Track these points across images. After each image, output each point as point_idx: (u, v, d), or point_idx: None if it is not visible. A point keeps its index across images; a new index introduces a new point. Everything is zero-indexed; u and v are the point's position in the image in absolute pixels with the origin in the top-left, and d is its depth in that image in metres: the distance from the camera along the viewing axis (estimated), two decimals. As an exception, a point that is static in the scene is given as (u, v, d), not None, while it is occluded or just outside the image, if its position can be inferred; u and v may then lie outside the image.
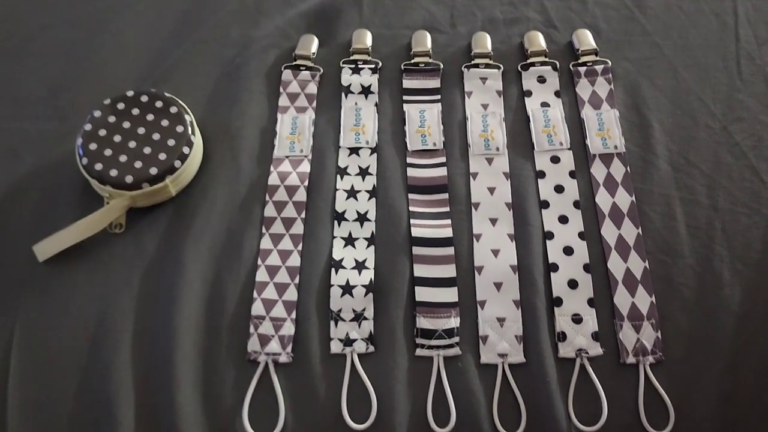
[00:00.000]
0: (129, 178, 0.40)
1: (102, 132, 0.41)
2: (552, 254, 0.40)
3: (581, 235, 0.40)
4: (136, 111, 0.42)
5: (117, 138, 0.41)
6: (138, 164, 0.40)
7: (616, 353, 0.37)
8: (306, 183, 0.43)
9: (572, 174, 0.43)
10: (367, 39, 0.49)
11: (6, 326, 0.37)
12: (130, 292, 0.38)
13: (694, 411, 0.36)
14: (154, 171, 0.40)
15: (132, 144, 0.41)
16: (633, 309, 0.38)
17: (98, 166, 0.40)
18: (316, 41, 0.49)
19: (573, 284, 0.39)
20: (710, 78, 0.46)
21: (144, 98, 0.42)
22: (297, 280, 0.39)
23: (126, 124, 0.41)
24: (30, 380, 0.36)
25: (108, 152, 0.40)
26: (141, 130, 0.41)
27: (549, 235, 0.40)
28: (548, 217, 0.41)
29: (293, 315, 0.38)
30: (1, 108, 0.46)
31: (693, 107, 0.45)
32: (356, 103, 0.46)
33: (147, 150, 0.40)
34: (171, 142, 0.41)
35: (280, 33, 0.50)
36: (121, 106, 0.42)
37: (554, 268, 0.39)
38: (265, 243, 0.40)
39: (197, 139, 0.42)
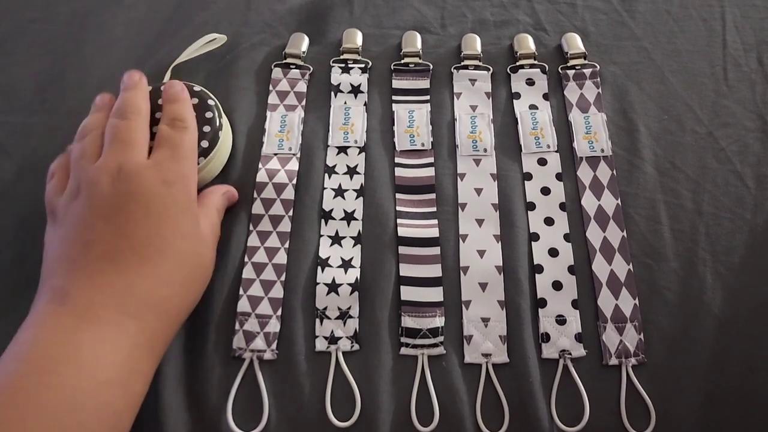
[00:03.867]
0: None
1: None
2: (537, 256, 0.40)
3: (566, 237, 0.41)
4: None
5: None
6: None
7: (598, 355, 0.37)
8: (294, 181, 0.43)
9: (559, 176, 0.43)
10: (358, 38, 0.49)
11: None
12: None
13: (675, 413, 0.36)
14: None
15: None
16: (616, 311, 0.38)
17: None
18: (306, 40, 0.49)
19: (557, 286, 0.39)
20: (697, 83, 0.47)
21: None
22: (283, 278, 0.39)
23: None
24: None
25: None
26: None
27: (534, 237, 0.41)
28: (534, 218, 0.41)
29: (279, 312, 0.38)
30: (-13, 101, 0.46)
31: (680, 112, 0.45)
32: (345, 102, 0.46)
33: None
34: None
35: (270, 30, 0.50)
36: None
37: (539, 269, 0.40)
38: (252, 240, 0.40)
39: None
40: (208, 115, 0.41)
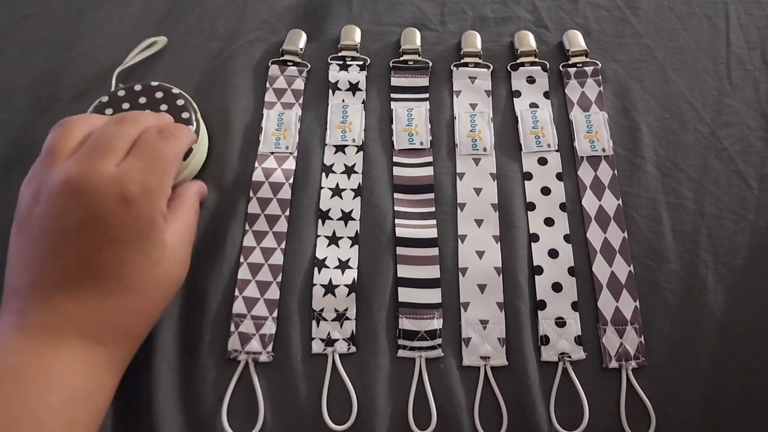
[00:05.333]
0: None
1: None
2: (537, 257, 0.40)
3: (567, 238, 0.40)
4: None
5: None
6: None
7: (598, 357, 0.37)
8: (291, 180, 0.42)
9: (559, 176, 0.42)
10: (356, 35, 0.48)
11: None
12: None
13: (675, 416, 0.36)
14: None
15: None
16: (617, 313, 0.38)
17: None
18: (304, 36, 0.48)
19: (557, 287, 0.39)
20: (700, 82, 0.46)
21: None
22: (279, 279, 0.39)
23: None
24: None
25: None
26: None
27: (534, 238, 0.40)
28: (534, 219, 0.41)
29: (275, 314, 0.38)
30: (-20, 98, 0.46)
31: (682, 111, 0.45)
32: (343, 100, 0.45)
33: None
34: None
35: (267, 27, 0.49)
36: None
37: (539, 270, 0.39)
38: (248, 240, 0.40)
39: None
40: (185, 115, 0.40)
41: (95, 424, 0.30)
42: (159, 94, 0.41)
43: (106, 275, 0.30)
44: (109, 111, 0.40)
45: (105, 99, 0.40)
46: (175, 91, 0.41)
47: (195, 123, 0.40)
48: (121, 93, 0.41)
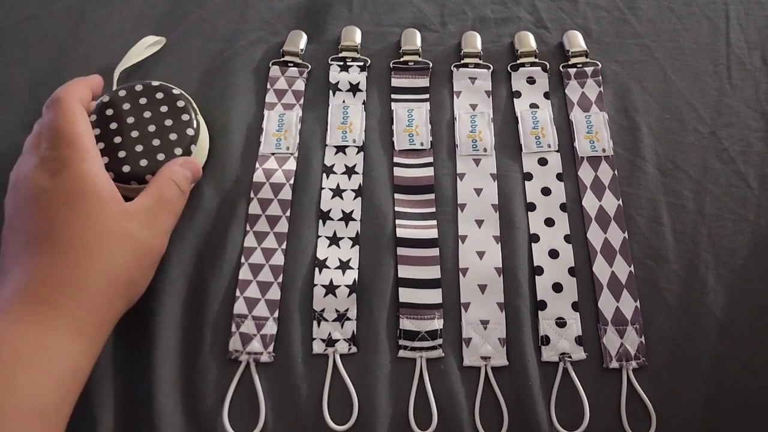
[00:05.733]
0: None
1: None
2: (537, 257, 0.40)
3: (567, 239, 0.40)
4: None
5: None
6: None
7: (599, 358, 0.37)
8: (292, 181, 0.42)
9: (559, 176, 0.42)
10: (356, 36, 0.48)
11: None
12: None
13: (676, 416, 0.36)
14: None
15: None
16: (617, 313, 0.38)
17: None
18: (304, 37, 0.48)
19: (558, 288, 0.39)
20: (700, 82, 0.46)
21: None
22: (280, 279, 0.39)
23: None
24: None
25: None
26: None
27: (535, 238, 0.40)
28: (534, 219, 0.41)
29: (276, 314, 0.38)
30: (-19, 99, 0.46)
31: (682, 111, 0.45)
32: (344, 101, 0.45)
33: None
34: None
35: (268, 28, 0.49)
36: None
37: (539, 271, 0.39)
38: (249, 241, 0.40)
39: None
40: (185, 117, 0.40)
41: (53, 391, 0.29)
42: (159, 95, 0.41)
43: (41, 240, 0.32)
44: (109, 111, 0.40)
45: (106, 99, 0.40)
46: (176, 91, 0.41)
47: (195, 124, 0.40)
48: (122, 93, 0.41)
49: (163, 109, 0.40)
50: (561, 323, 0.38)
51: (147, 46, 0.46)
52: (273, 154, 0.43)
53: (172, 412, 0.35)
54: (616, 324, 0.38)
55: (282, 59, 0.47)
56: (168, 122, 0.40)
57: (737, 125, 0.44)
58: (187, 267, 0.39)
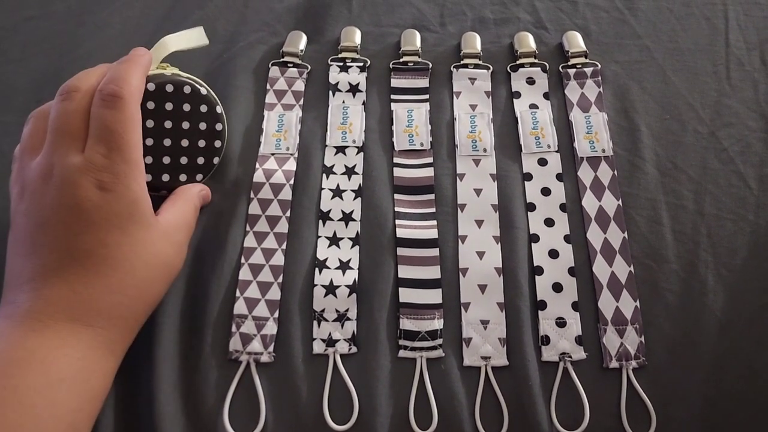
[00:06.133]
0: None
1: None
2: (537, 257, 0.40)
3: (567, 239, 0.40)
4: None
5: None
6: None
7: (599, 357, 0.37)
8: (292, 181, 0.42)
9: (559, 177, 0.42)
10: (356, 37, 0.48)
11: None
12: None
13: (676, 416, 0.36)
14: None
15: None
16: (617, 313, 0.38)
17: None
18: (304, 38, 0.48)
19: (557, 288, 0.39)
20: (699, 82, 0.46)
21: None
22: (280, 279, 0.39)
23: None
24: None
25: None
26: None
27: (534, 238, 0.40)
28: (534, 219, 0.41)
29: (276, 314, 0.38)
30: (-19, 100, 0.46)
31: (681, 112, 0.45)
32: (344, 102, 0.46)
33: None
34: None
35: (267, 29, 0.49)
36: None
37: (539, 271, 0.39)
38: (249, 241, 0.40)
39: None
40: (218, 127, 0.40)
41: (87, 408, 0.30)
42: (203, 108, 0.40)
43: (88, 257, 0.31)
44: (151, 104, 0.39)
45: (152, 88, 0.39)
46: (204, 91, 0.40)
47: (223, 123, 0.41)
48: (169, 88, 0.39)
49: (202, 126, 0.40)
50: (561, 323, 0.38)
51: (195, 38, 0.43)
52: (273, 154, 0.43)
53: (173, 412, 0.35)
54: (615, 324, 0.38)
55: (282, 60, 0.47)
56: (201, 126, 0.40)
57: (736, 125, 0.44)
58: (188, 267, 0.39)
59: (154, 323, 0.37)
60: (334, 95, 0.46)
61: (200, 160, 0.40)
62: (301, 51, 0.48)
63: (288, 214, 0.41)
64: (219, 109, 0.41)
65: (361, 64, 0.47)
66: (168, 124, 0.39)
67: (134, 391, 0.36)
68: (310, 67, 0.47)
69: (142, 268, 0.33)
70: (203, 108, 0.40)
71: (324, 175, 0.43)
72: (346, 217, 0.41)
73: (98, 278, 0.31)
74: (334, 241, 0.40)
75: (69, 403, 0.29)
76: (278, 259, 0.39)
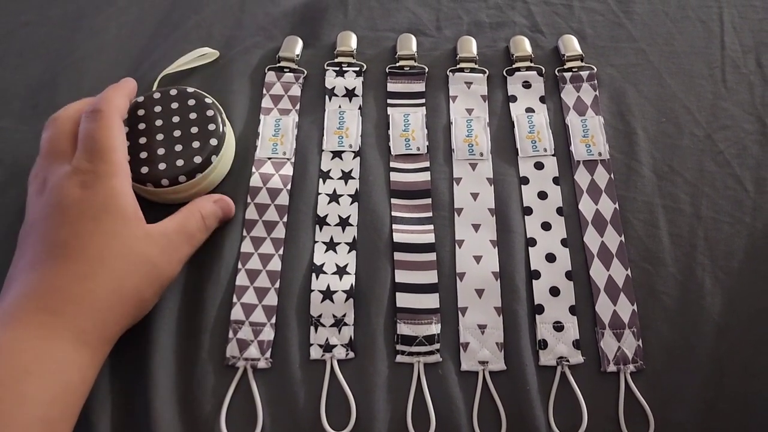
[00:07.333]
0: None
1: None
2: (534, 261, 0.40)
3: (564, 242, 0.40)
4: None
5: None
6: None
7: (597, 361, 0.37)
8: (288, 186, 0.42)
9: (556, 180, 0.42)
10: (352, 41, 0.48)
11: None
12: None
13: (674, 420, 0.36)
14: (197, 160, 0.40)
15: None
16: (614, 317, 0.38)
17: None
18: (300, 43, 0.48)
19: (555, 291, 0.39)
20: (695, 85, 0.46)
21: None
22: (277, 285, 0.39)
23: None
24: None
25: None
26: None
27: (531, 242, 0.40)
28: (531, 223, 0.41)
29: (273, 320, 0.38)
30: (-23, 106, 0.46)
31: (677, 115, 0.45)
32: (340, 106, 0.46)
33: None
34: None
35: (263, 33, 0.49)
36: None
37: (536, 275, 0.39)
38: (246, 246, 0.40)
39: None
40: (211, 127, 0.41)
41: (61, 402, 0.30)
42: (191, 101, 0.41)
43: (62, 248, 0.32)
44: (141, 111, 0.41)
45: (140, 99, 0.41)
46: (209, 100, 0.42)
47: (220, 134, 0.41)
48: (156, 96, 0.41)
49: (192, 116, 0.41)
50: (558, 327, 0.38)
51: (198, 56, 0.47)
52: (269, 158, 0.43)
53: (170, 418, 0.35)
54: (613, 327, 0.38)
55: (278, 65, 0.47)
56: (194, 129, 0.40)
57: (732, 128, 0.44)
58: (184, 273, 0.39)
59: (150, 329, 0.37)
60: (330, 100, 0.46)
61: (197, 159, 0.40)
62: (297, 56, 0.48)
63: (285, 219, 0.41)
64: (209, 99, 0.42)
65: (358, 68, 0.47)
66: (159, 123, 0.40)
67: (131, 397, 0.35)
68: (306, 72, 0.47)
69: (115, 259, 0.33)
70: (191, 101, 0.41)
71: (321, 180, 0.43)
72: (343, 222, 0.41)
73: (67, 266, 0.32)
74: (331, 246, 0.40)
75: (39, 396, 0.29)
76: (275, 264, 0.39)
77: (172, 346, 0.37)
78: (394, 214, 0.41)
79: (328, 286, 0.39)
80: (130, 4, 0.52)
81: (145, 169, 0.39)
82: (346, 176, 0.43)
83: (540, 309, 0.38)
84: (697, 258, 0.40)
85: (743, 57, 0.48)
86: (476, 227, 0.41)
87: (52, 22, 0.50)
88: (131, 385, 0.36)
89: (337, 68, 0.47)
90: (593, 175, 0.42)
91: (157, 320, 0.37)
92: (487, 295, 0.38)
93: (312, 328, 0.38)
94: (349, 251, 0.40)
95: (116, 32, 0.50)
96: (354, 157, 0.43)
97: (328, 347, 0.37)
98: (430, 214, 0.41)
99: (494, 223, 0.41)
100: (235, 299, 0.38)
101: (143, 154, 0.39)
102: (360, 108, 0.46)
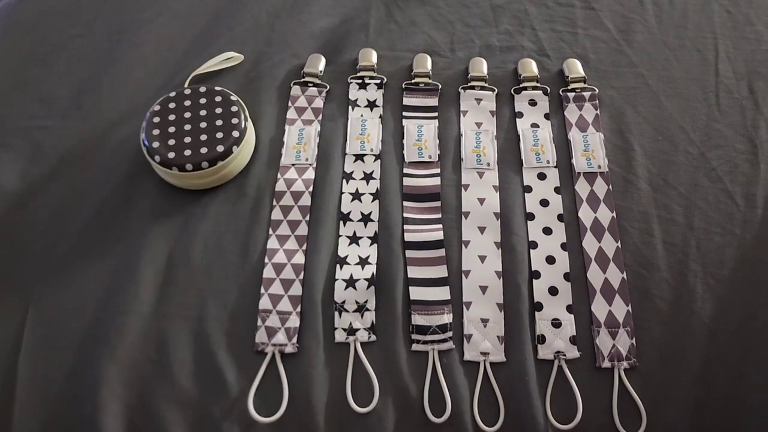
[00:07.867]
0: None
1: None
2: (535, 262, 0.42)
3: (563, 246, 0.43)
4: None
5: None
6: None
7: (592, 357, 0.39)
8: (311, 189, 0.45)
9: (557, 190, 0.45)
10: (373, 57, 0.52)
11: (21, 305, 0.40)
12: (136, 280, 0.41)
13: (666, 416, 0.38)
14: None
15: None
16: (610, 316, 0.40)
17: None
18: (323, 60, 0.52)
19: (553, 291, 0.41)
20: (690, 108, 0.49)
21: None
22: (302, 276, 0.42)
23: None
24: (38, 356, 0.39)
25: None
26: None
27: (533, 245, 0.43)
28: (533, 228, 0.44)
29: (298, 308, 0.41)
30: (28, 107, 0.50)
31: (673, 134, 0.48)
32: (362, 115, 0.49)
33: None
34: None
35: (290, 51, 0.53)
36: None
37: (536, 275, 0.42)
38: (272, 243, 0.43)
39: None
40: (234, 120, 0.45)
41: None
42: (218, 98, 0.46)
43: None
44: (172, 105, 0.45)
45: (173, 94, 0.46)
46: (233, 98, 0.46)
47: (242, 128, 0.45)
48: (187, 92, 0.46)
49: (218, 110, 0.45)
50: (556, 324, 0.40)
51: (224, 59, 0.51)
52: (293, 165, 0.47)
53: (195, 399, 0.37)
54: (608, 326, 0.40)
55: (302, 80, 0.51)
56: (219, 122, 0.45)
57: (725, 147, 0.47)
58: (214, 266, 0.42)
59: (184, 320, 0.40)
60: (353, 110, 0.50)
61: (219, 148, 0.44)
62: (321, 72, 0.52)
63: (307, 218, 0.44)
64: (234, 97, 0.46)
65: (379, 81, 0.51)
66: (188, 115, 0.45)
67: (150, 379, 0.38)
68: (328, 87, 0.51)
69: None
70: (218, 98, 0.46)
71: (344, 181, 0.46)
72: (365, 218, 0.44)
73: None
74: (354, 239, 0.43)
75: None
76: (299, 258, 0.42)
77: (204, 335, 0.39)
78: (405, 215, 0.44)
79: (351, 275, 0.42)
80: (168, 21, 0.56)
81: (171, 155, 0.43)
82: (367, 177, 0.46)
83: (539, 306, 0.41)
84: (690, 265, 0.42)
85: (736, 83, 0.51)
86: (482, 229, 0.44)
87: (98, 35, 0.55)
88: (151, 366, 0.38)
89: (360, 81, 0.51)
90: (593, 186, 0.45)
91: (188, 309, 0.40)
92: (490, 292, 0.41)
93: (336, 314, 0.40)
94: (371, 244, 0.43)
95: (155, 45, 0.54)
96: (375, 160, 0.47)
97: (351, 330, 0.40)
98: (439, 216, 0.44)
99: (498, 226, 0.44)
100: (262, 290, 0.41)
101: (171, 141, 0.43)
102: (380, 117, 0.49)
